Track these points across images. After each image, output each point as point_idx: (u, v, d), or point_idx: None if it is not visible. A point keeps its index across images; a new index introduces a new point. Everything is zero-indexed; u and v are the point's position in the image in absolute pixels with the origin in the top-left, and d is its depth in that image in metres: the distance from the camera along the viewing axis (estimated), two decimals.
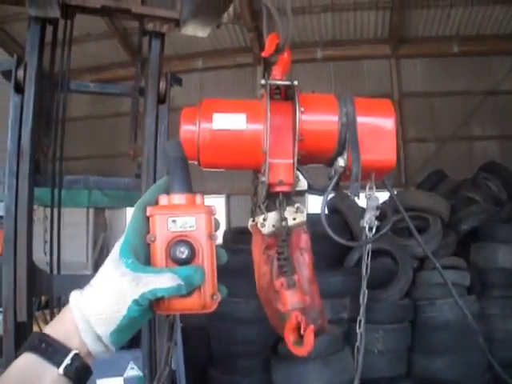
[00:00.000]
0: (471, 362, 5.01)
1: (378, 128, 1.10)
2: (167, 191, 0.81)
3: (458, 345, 4.99)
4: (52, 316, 3.04)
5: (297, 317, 1.08)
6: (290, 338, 1.10)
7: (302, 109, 1.05)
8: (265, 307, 1.25)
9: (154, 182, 2.47)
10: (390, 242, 5.10)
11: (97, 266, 8.72)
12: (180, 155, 0.83)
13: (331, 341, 4.27)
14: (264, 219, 1.14)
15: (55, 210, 2.77)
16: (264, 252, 1.16)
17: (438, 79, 9.94)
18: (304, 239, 1.16)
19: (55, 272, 2.79)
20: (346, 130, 1.07)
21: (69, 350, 0.73)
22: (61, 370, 0.72)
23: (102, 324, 0.74)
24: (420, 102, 10.05)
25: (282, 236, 1.12)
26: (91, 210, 9.12)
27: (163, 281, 0.73)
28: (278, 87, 1.15)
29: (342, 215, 5.29)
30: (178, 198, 0.80)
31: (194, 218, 0.78)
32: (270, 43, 1.19)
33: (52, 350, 0.72)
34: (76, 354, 0.73)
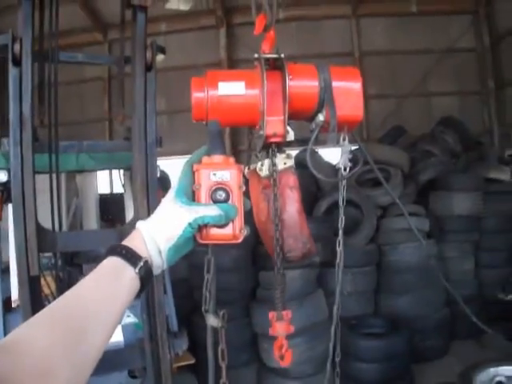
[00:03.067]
0: (430, 300, 5.52)
1: (349, 90, 1.41)
2: (208, 154, 1.09)
3: (418, 285, 5.47)
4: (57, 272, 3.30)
5: (282, 341, 1.46)
6: (276, 352, 1.48)
7: (291, 76, 1.35)
8: (262, 237, 1.57)
9: (145, 142, 2.71)
10: (355, 192, 5.50)
11: (72, 230, 8.84)
12: (218, 130, 1.13)
13: (305, 284, 4.66)
14: (261, 165, 1.45)
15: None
16: (262, 191, 1.48)
17: (398, 38, 10.25)
18: (293, 179, 1.48)
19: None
20: (324, 92, 1.37)
21: (141, 257, 0.94)
22: (136, 269, 0.92)
23: (163, 241, 0.97)
24: (380, 60, 10.34)
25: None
26: (63, 176, 9.17)
27: (210, 210, 1.00)
28: (267, 59, 1.45)
29: (309, 170, 5.61)
30: (217, 158, 1.08)
31: (229, 172, 1.06)
32: (258, 24, 1.49)
33: (130, 255, 0.93)
34: (146, 261, 0.94)
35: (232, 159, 1.09)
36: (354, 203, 5.40)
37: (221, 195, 1.04)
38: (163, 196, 1.06)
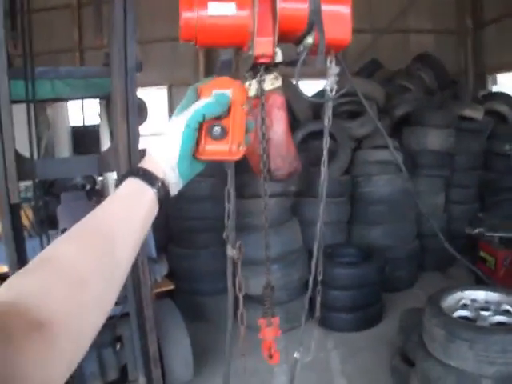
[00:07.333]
0: (402, 232, 5.71)
1: (338, 13, 1.44)
2: None
3: (391, 216, 5.63)
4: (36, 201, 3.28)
5: (270, 343, 1.63)
6: (265, 352, 1.65)
7: None
8: (248, 157, 1.61)
9: (125, 67, 2.66)
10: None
11: None
12: (229, 59, 1.22)
13: (281, 212, 4.76)
14: (250, 84, 1.47)
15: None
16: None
17: None
18: (280, 100, 1.51)
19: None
20: (313, 14, 1.38)
21: (157, 178, 0.95)
22: (155, 189, 0.93)
23: (173, 156, 0.96)
24: None
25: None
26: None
27: (200, 103, 1.00)
28: None
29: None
30: (222, 79, 1.08)
31: (231, 90, 1.04)
32: None
33: (149, 176, 0.94)
34: (163, 181, 0.95)
35: (238, 81, 1.10)
36: (329, 134, 5.41)
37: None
38: None
